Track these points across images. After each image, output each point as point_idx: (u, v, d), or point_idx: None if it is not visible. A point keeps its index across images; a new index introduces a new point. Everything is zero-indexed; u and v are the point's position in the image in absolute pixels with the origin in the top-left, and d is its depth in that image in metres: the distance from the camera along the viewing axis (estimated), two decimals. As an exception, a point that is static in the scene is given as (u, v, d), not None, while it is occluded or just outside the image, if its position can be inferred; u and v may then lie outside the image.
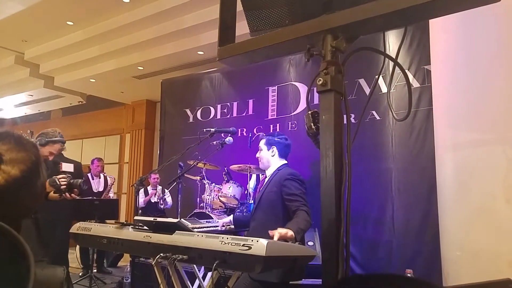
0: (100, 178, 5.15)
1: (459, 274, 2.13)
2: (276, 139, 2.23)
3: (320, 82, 0.85)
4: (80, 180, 2.41)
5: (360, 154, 3.36)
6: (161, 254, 1.40)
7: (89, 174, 5.05)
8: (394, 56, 1.04)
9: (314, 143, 0.93)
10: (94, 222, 2.48)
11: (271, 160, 2.19)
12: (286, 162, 2.22)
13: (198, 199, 4.36)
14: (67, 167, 2.71)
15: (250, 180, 4.08)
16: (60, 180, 2.31)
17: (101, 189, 5.08)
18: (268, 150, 2.19)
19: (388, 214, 3.43)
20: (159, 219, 1.55)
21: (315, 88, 0.88)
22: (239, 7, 1.06)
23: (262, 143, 2.22)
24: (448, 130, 2.37)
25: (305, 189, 2.02)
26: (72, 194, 2.37)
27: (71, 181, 2.36)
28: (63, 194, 2.34)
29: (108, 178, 5.29)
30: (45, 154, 2.62)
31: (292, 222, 1.82)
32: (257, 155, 2.24)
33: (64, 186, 2.31)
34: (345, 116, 0.88)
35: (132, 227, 1.63)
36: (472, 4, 0.76)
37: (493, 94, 2.13)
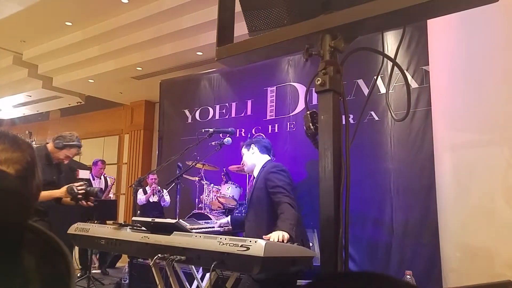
0: (100, 179, 5.15)
1: (458, 275, 2.13)
2: (253, 139, 2.29)
3: (318, 82, 0.85)
4: (97, 188, 2.46)
5: (359, 154, 3.36)
6: (159, 255, 1.39)
7: (90, 174, 5.05)
8: (392, 57, 1.03)
9: (313, 144, 0.92)
10: (94, 223, 2.48)
11: (253, 159, 2.21)
12: (269, 158, 2.23)
13: (196, 199, 4.35)
14: (84, 174, 2.72)
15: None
16: (78, 188, 2.35)
17: None
18: (248, 150, 2.22)
19: (387, 215, 3.43)
20: (157, 220, 1.55)
21: (313, 89, 0.87)
22: (238, 8, 1.05)
23: (242, 150, 2.27)
24: (447, 130, 2.38)
25: (289, 178, 2.04)
26: (88, 202, 2.41)
27: (88, 188, 2.40)
28: (79, 202, 2.39)
29: (108, 178, 5.29)
30: (61, 157, 2.65)
31: (281, 221, 1.81)
32: (241, 163, 2.26)
33: (81, 195, 2.35)
34: (343, 116, 0.88)
35: (130, 228, 1.63)
36: (471, 4, 0.75)
37: (492, 95, 2.13)
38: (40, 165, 0.76)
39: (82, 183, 2.41)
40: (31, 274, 0.38)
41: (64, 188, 2.39)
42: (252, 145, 2.21)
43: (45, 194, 2.49)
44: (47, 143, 2.75)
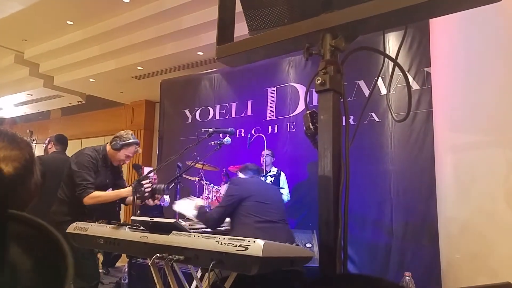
0: None
1: (458, 276, 2.12)
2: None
3: (318, 81, 0.84)
4: (163, 186, 2.30)
5: (359, 155, 3.35)
6: (158, 255, 1.39)
7: (153, 172, 5.06)
8: (393, 57, 1.03)
9: (312, 144, 0.92)
10: (97, 222, 2.45)
11: None
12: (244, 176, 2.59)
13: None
14: (147, 170, 2.59)
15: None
16: (144, 186, 2.21)
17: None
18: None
19: (387, 216, 3.42)
20: (155, 219, 1.54)
21: (314, 89, 0.87)
22: (239, 8, 1.05)
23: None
24: (448, 132, 2.37)
25: (233, 189, 2.27)
26: (155, 200, 2.30)
27: (154, 186, 2.26)
28: (146, 201, 2.27)
29: None
30: (121, 158, 2.54)
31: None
32: None
33: (147, 194, 2.23)
34: (343, 116, 0.87)
35: (128, 227, 1.62)
36: (472, 3, 0.75)
37: (493, 97, 2.12)
38: (38, 163, 0.76)
39: (148, 181, 2.26)
40: (26, 275, 0.37)
41: (129, 187, 2.28)
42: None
43: (112, 194, 2.44)
44: (107, 143, 2.62)
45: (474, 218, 2.08)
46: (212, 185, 4.10)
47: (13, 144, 0.73)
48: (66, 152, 3.66)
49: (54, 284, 0.39)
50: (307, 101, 1.16)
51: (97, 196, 2.34)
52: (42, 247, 0.41)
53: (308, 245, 3.34)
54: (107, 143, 2.65)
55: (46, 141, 3.79)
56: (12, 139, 0.74)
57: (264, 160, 3.95)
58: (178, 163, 3.61)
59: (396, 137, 3.50)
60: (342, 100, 0.87)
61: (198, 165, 3.85)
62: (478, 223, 2.06)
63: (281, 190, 3.95)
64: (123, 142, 2.53)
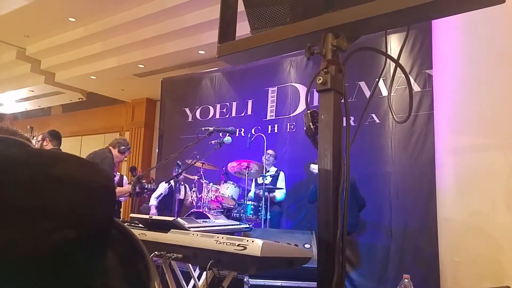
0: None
1: (457, 279, 2.11)
2: None
3: (320, 81, 0.84)
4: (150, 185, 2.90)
5: (359, 157, 3.34)
6: (156, 252, 1.38)
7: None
8: (395, 58, 1.02)
9: (313, 143, 0.91)
10: None
11: None
12: None
13: (195, 198, 4.33)
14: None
15: (251, 185, 4.08)
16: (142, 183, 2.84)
17: None
18: None
19: (386, 218, 3.42)
20: (154, 217, 1.54)
21: (315, 89, 0.86)
22: (241, 7, 1.04)
23: None
24: (449, 134, 2.36)
25: None
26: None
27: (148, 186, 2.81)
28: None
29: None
30: (121, 161, 3.24)
31: None
32: None
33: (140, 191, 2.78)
34: (344, 117, 0.87)
35: (127, 225, 1.62)
36: (477, 4, 0.74)
37: (495, 99, 2.12)
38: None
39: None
40: (112, 273, 0.37)
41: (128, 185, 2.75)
42: None
43: (124, 189, 3.08)
44: (108, 147, 3.16)
45: (474, 220, 2.08)
46: (211, 184, 4.10)
47: None
48: (61, 148, 3.62)
49: (138, 282, 0.40)
50: (308, 100, 1.16)
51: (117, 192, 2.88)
52: (123, 246, 0.41)
53: (307, 245, 3.34)
54: (109, 146, 3.17)
55: (40, 139, 3.72)
56: (13, 135, 0.74)
57: (266, 159, 3.93)
58: (178, 161, 3.61)
59: (397, 138, 3.49)
60: (343, 100, 0.87)
61: (198, 164, 3.85)
62: (478, 225, 2.05)
63: (277, 190, 3.96)
64: (126, 147, 3.11)
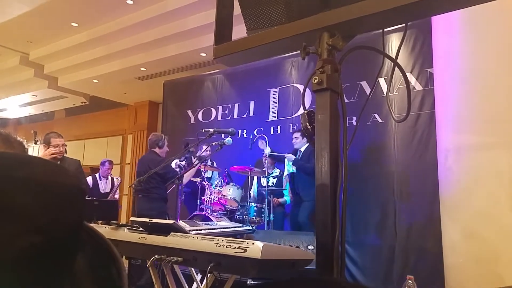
0: (107, 179, 5.18)
1: (461, 280, 2.09)
2: None
3: (315, 80, 0.83)
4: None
5: (361, 157, 3.32)
6: (156, 256, 1.38)
7: (97, 175, 5.09)
8: (394, 57, 1.01)
9: (311, 144, 0.90)
10: (100, 223, 2.45)
11: None
12: None
13: (198, 201, 4.33)
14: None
15: (252, 183, 4.06)
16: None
17: (107, 190, 5.12)
18: None
19: (390, 218, 3.39)
20: (154, 220, 1.54)
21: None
22: (238, 10, 1.04)
23: None
24: (451, 133, 2.34)
25: None
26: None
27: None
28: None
29: (114, 179, 5.32)
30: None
31: None
32: None
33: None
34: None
35: (128, 228, 1.62)
36: (471, 1, 0.73)
37: (497, 98, 2.09)
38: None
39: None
40: (81, 277, 0.36)
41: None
42: None
43: (192, 171, 3.27)
44: (153, 150, 3.26)
45: (478, 221, 2.05)
46: (214, 186, 4.09)
47: (7, 143, 0.73)
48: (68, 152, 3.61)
49: (110, 286, 0.39)
50: (304, 100, 1.15)
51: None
52: (93, 249, 0.41)
53: (310, 247, 3.32)
54: (152, 149, 3.27)
55: (42, 145, 3.65)
56: (5, 139, 0.74)
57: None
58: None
59: (399, 138, 3.47)
60: (339, 99, 0.86)
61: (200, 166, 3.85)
62: (482, 226, 2.02)
63: (285, 194, 3.94)
64: (161, 138, 3.35)
